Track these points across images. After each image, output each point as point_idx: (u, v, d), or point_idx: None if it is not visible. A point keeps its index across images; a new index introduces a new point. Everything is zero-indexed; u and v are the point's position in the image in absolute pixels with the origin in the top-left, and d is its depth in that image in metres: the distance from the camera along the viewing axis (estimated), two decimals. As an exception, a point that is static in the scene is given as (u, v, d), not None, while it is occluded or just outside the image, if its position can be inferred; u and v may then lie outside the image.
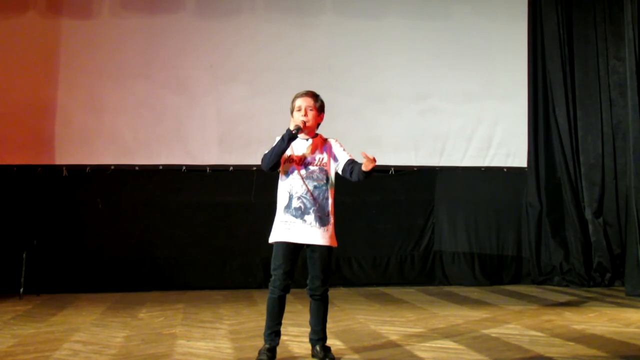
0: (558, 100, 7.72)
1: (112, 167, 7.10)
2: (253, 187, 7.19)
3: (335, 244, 3.78)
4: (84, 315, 5.34)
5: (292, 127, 3.72)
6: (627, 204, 7.07)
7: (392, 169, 7.56)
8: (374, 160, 3.62)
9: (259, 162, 7.62)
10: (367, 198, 7.45)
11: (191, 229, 7.19)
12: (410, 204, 7.63)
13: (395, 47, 7.65)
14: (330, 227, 3.76)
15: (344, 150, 3.85)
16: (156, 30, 7.29)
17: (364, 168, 3.65)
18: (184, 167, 7.23)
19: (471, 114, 7.69)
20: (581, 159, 7.67)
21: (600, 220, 7.55)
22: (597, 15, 7.76)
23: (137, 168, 7.15)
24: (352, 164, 3.78)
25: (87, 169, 7.07)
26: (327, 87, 7.44)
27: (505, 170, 7.77)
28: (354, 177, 3.76)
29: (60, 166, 7.03)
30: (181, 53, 7.33)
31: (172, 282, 7.00)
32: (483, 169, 7.74)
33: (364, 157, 3.62)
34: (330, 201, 3.78)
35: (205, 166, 7.27)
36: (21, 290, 6.30)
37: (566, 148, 7.66)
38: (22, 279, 6.33)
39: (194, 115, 7.30)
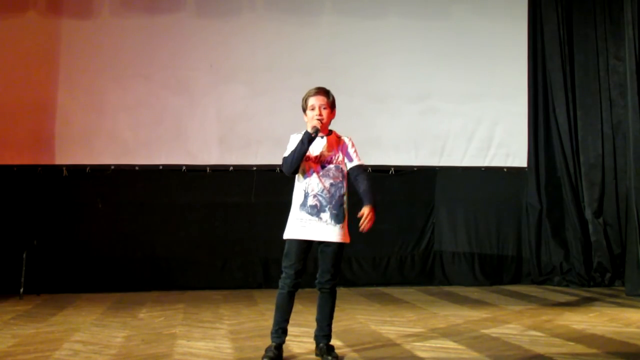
0: (558, 100, 7.71)
1: (112, 167, 7.10)
2: (253, 187, 7.19)
3: (348, 240, 3.80)
4: (84, 315, 5.34)
5: (310, 130, 3.70)
6: (627, 204, 7.07)
7: (392, 169, 7.56)
8: (369, 219, 3.71)
9: (258, 162, 7.64)
10: (367, 198, 7.44)
11: (191, 229, 7.19)
12: (410, 204, 7.63)
13: (395, 47, 7.65)
14: (345, 224, 3.78)
15: (355, 152, 3.86)
16: (156, 30, 7.29)
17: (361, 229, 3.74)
18: (184, 167, 7.23)
19: (471, 114, 7.69)
20: (581, 159, 7.67)
21: (600, 220, 7.54)
22: (597, 15, 7.76)
23: (137, 168, 7.15)
24: (357, 172, 3.82)
25: (87, 169, 7.07)
26: (327, 87, 7.49)
27: (505, 170, 7.76)
28: (357, 187, 3.82)
29: (60, 166, 7.02)
30: (181, 53, 7.32)
31: (172, 282, 7.00)
32: (483, 169, 7.73)
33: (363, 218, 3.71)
34: (345, 198, 3.80)
35: (205, 166, 7.27)
36: (21, 290, 6.30)
37: (566, 148, 7.66)
38: (22, 279, 6.33)
39: (194, 115, 7.30)
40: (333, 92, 3.93)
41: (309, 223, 3.71)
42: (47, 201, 6.95)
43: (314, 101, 3.79)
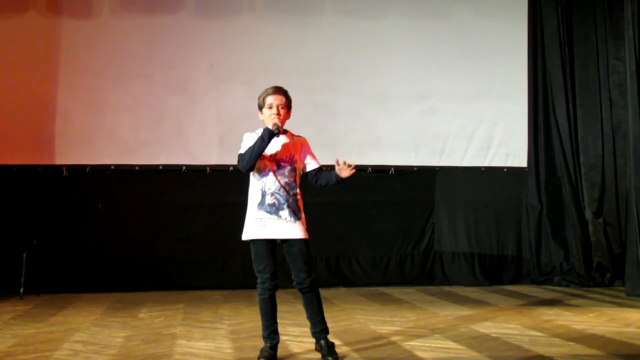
0: (558, 100, 7.71)
1: (112, 167, 7.10)
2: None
3: (308, 236, 3.80)
4: (84, 315, 5.34)
5: (271, 127, 3.71)
6: (627, 204, 7.07)
7: (392, 169, 7.56)
8: (353, 167, 3.69)
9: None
10: (367, 198, 7.45)
11: (191, 229, 7.19)
12: (410, 204, 7.63)
13: (395, 47, 7.65)
14: (303, 220, 3.80)
15: (312, 154, 3.90)
16: (156, 30, 7.29)
17: (343, 175, 3.70)
18: (184, 167, 7.23)
19: (471, 114, 7.69)
20: (581, 159, 7.67)
21: (600, 220, 7.54)
22: (597, 15, 7.75)
23: (137, 168, 7.15)
24: (319, 172, 3.87)
25: (87, 169, 7.08)
26: (327, 87, 7.51)
27: (505, 170, 7.77)
28: (328, 183, 3.84)
29: (60, 166, 7.03)
30: (181, 53, 7.33)
31: (172, 282, 7.00)
32: (483, 169, 7.74)
33: (342, 164, 3.69)
34: (299, 196, 3.83)
35: (205, 166, 7.27)
36: (21, 290, 6.31)
37: (566, 148, 7.65)
38: (22, 279, 6.34)
39: (194, 115, 7.30)
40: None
41: (268, 222, 3.73)
42: (47, 201, 6.95)
43: (272, 100, 3.80)
